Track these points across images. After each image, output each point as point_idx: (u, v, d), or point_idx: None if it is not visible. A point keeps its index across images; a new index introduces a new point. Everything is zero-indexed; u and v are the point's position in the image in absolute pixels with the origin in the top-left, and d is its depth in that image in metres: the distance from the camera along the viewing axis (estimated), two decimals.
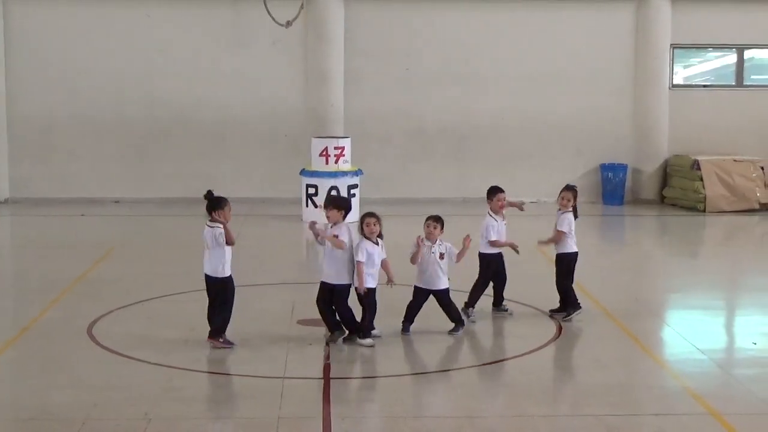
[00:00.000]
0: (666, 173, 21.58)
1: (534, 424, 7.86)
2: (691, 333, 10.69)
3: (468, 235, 10.28)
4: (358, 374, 9.45)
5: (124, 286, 12.63)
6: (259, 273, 13.27)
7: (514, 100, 21.40)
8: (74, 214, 19.08)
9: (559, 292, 11.19)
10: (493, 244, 10.97)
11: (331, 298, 9.89)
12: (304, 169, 18.64)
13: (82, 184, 20.96)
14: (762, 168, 20.65)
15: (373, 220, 9.92)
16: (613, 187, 21.29)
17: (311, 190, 18.03)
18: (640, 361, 9.83)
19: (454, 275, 10.66)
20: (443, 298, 10.33)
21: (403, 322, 10.31)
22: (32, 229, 18.40)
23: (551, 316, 11.09)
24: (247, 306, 10.78)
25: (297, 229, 17.64)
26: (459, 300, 10.86)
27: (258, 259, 14.49)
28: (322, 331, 10.17)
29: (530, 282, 12.40)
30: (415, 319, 10.35)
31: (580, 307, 11.04)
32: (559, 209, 11.19)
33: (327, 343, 9.92)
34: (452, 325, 10.39)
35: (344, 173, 18.30)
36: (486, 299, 11.24)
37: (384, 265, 10.00)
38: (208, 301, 9.83)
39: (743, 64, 22.10)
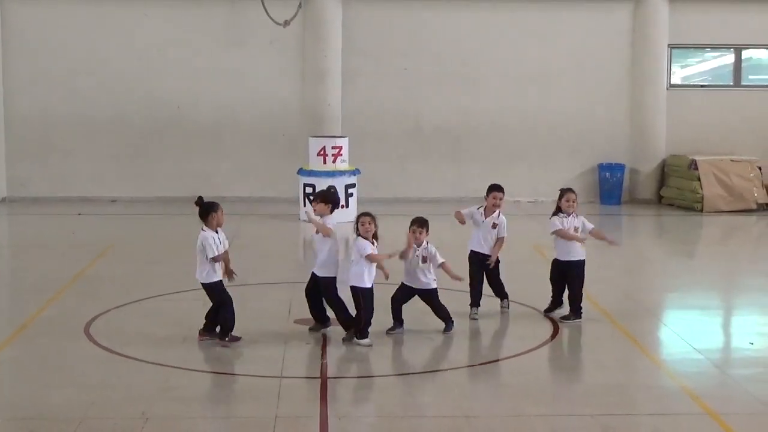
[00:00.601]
0: (663, 173, 21.58)
1: (531, 424, 7.86)
2: (689, 333, 10.70)
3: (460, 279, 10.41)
4: (354, 374, 9.45)
5: (122, 285, 12.64)
6: (256, 272, 13.26)
7: (512, 99, 21.40)
8: (71, 213, 19.06)
9: (578, 300, 11.04)
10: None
11: (317, 288, 10.18)
12: (301, 168, 18.64)
13: (80, 184, 20.94)
14: (759, 168, 20.67)
15: (367, 219, 9.95)
16: (611, 186, 21.29)
17: (309, 190, 18.01)
18: (637, 361, 9.83)
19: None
20: (429, 298, 10.35)
21: (393, 320, 10.33)
22: (29, 228, 18.39)
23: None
24: (244, 305, 10.77)
25: (294, 229, 17.64)
26: (459, 300, 10.88)
27: (255, 258, 14.48)
28: (321, 331, 10.27)
29: (529, 282, 12.39)
30: (412, 320, 10.34)
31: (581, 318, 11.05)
32: (571, 213, 11.00)
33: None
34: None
35: (342, 173, 18.30)
36: (492, 300, 11.26)
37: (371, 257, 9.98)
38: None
39: (741, 64, 22.10)
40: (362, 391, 8.97)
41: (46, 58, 20.81)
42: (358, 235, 9.92)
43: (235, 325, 9.84)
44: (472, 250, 11.13)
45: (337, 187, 17.86)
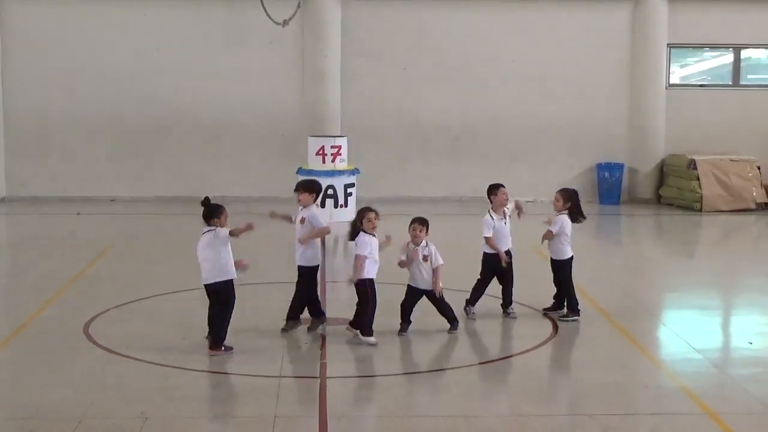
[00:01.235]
0: (662, 173, 21.59)
1: (530, 424, 7.86)
2: (688, 332, 10.71)
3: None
4: (354, 373, 9.44)
5: (121, 285, 12.64)
6: (255, 272, 13.22)
7: (511, 99, 21.41)
8: (70, 213, 19.06)
9: (569, 297, 11.14)
10: (487, 242, 10.94)
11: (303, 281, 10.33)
12: (300, 167, 18.64)
13: (79, 183, 20.95)
14: (758, 167, 20.68)
15: (372, 214, 9.90)
16: (610, 186, 21.30)
17: None
18: (636, 361, 9.83)
19: (455, 276, 10.65)
20: (433, 297, 10.32)
21: (400, 323, 10.31)
22: (28, 227, 18.39)
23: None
24: (243, 305, 10.76)
25: (293, 228, 17.58)
26: (459, 300, 10.88)
27: (254, 257, 14.42)
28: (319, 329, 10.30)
29: (529, 282, 12.37)
30: (413, 319, 10.35)
31: (579, 315, 11.04)
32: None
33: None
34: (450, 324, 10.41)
35: (341, 172, 18.31)
36: (492, 300, 11.25)
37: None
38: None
39: (740, 64, 22.11)
40: (361, 391, 8.95)
41: (45, 58, 20.82)
42: (363, 230, 9.88)
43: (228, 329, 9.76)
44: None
45: (336, 187, 17.89)
